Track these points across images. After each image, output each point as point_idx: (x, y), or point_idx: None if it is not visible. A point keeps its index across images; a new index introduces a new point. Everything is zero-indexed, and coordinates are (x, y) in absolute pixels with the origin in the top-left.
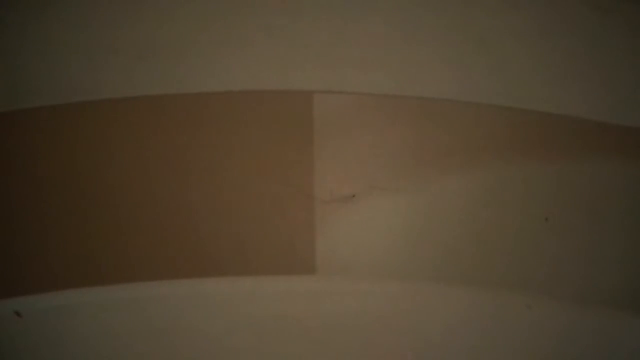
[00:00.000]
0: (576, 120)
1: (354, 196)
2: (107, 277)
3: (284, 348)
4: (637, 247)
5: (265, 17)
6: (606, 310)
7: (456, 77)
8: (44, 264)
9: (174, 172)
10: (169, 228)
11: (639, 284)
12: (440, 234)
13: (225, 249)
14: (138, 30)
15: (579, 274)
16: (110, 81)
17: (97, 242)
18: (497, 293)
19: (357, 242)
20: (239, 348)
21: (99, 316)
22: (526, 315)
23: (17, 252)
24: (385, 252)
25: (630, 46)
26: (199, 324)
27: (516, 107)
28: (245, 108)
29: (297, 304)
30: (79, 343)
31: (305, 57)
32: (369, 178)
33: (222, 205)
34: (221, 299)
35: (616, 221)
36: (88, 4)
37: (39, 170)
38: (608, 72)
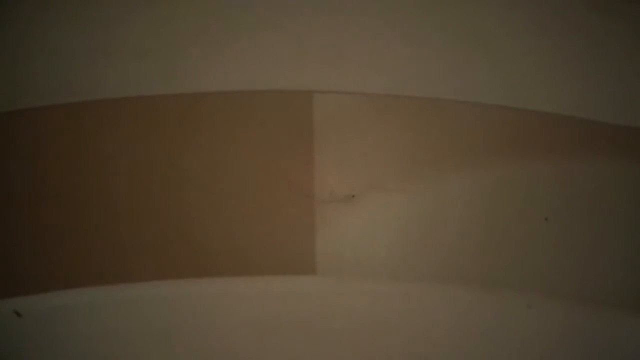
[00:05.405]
0: (576, 121)
1: (353, 196)
2: (107, 277)
3: (284, 348)
4: (637, 247)
5: (265, 17)
6: (606, 310)
7: (456, 77)
8: (44, 264)
9: (174, 172)
10: (169, 228)
11: (639, 284)
12: (440, 234)
13: (225, 249)
14: (137, 31)
15: (579, 274)
16: (109, 81)
17: (97, 242)
18: (497, 293)
19: (357, 242)
20: (239, 348)
21: (99, 316)
22: (526, 315)
23: (17, 252)
24: (385, 252)
25: (630, 46)
26: (199, 324)
27: (516, 107)
28: (244, 108)
29: (297, 304)
30: (79, 343)
31: (305, 57)
32: (369, 178)
33: (222, 205)
34: (221, 299)
35: (616, 221)
36: (87, 5)
37: (38, 170)
38: (608, 72)
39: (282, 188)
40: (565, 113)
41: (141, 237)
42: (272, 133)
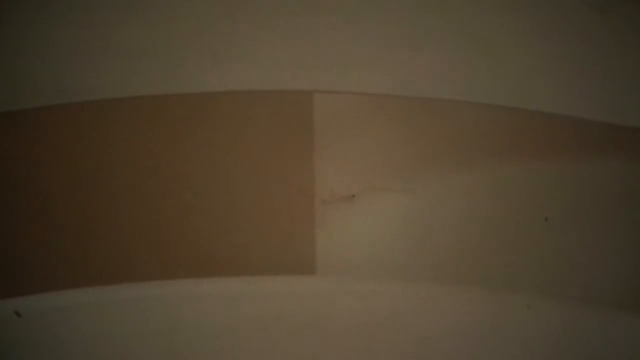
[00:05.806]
0: (577, 121)
1: (354, 196)
2: (107, 277)
3: (284, 348)
4: (637, 247)
5: (265, 16)
6: (606, 310)
7: (456, 77)
8: (44, 264)
9: (174, 172)
10: (169, 228)
11: (639, 284)
12: (440, 234)
13: (225, 249)
14: (138, 30)
15: (579, 274)
16: (110, 81)
17: (97, 242)
18: (497, 293)
19: (357, 242)
20: (238, 348)
21: (99, 316)
22: (526, 315)
23: (17, 252)
24: (385, 252)
25: (630, 46)
26: (199, 324)
27: (516, 107)
28: (245, 108)
29: (297, 304)
30: (79, 343)
31: (305, 57)
32: (369, 178)
33: (222, 205)
34: (221, 299)
35: (616, 221)
36: (88, 3)
37: (38, 170)
38: (608, 72)
39: (282, 188)
40: (565, 113)
41: (141, 237)
42: (272, 133)
